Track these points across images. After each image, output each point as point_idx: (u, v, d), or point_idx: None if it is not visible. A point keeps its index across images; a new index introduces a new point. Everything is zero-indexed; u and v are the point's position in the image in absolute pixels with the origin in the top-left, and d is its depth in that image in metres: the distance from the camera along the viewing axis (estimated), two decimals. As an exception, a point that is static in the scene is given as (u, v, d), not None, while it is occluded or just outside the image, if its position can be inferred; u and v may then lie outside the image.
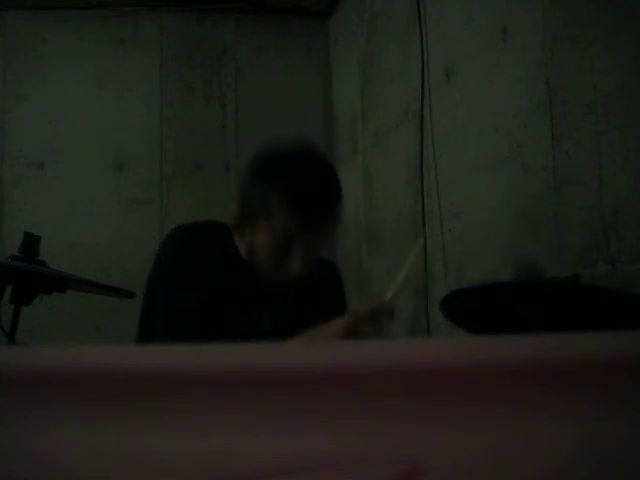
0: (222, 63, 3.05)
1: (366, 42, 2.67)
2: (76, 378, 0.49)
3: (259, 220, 1.26)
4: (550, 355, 0.51)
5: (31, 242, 1.69)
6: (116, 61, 2.97)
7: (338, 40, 3.04)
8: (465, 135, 1.87)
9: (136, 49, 2.99)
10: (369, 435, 0.50)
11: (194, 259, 1.31)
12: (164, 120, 2.97)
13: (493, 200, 1.71)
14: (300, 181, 1.23)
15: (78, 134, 2.89)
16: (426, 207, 2.07)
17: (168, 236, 1.38)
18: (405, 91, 2.25)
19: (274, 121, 2.94)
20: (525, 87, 1.57)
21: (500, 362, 0.51)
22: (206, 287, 1.30)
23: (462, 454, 0.50)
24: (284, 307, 1.35)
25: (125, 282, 1.95)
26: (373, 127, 2.58)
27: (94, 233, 2.84)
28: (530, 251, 1.55)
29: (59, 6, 2.90)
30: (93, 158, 2.89)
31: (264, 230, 1.25)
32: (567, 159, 1.41)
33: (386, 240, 2.43)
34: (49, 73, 2.92)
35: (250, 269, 1.33)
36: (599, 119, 1.31)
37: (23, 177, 2.85)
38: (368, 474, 0.49)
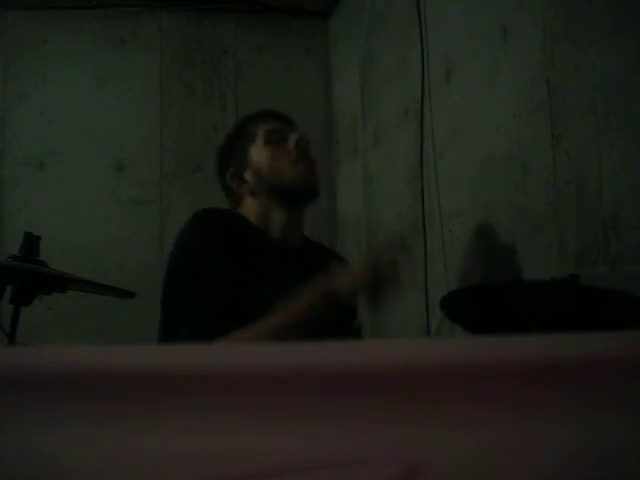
0: (222, 63, 3.06)
1: (366, 42, 2.67)
2: (76, 378, 0.49)
3: (249, 140, 1.44)
4: (550, 355, 0.51)
5: (31, 242, 1.69)
6: (116, 61, 2.97)
7: (338, 40, 3.04)
8: (465, 135, 1.87)
9: (136, 49, 2.99)
10: (369, 435, 0.50)
11: (217, 240, 1.33)
12: (164, 120, 2.98)
13: (493, 200, 1.71)
14: (261, 109, 1.50)
15: (78, 134, 2.89)
16: (426, 207, 2.07)
17: (189, 221, 1.38)
18: (405, 91, 2.25)
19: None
20: (525, 87, 1.57)
21: (500, 362, 0.51)
22: (231, 267, 1.30)
23: (462, 454, 0.50)
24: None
25: (125, 282, 1.96)
26: (373, 127, 2.58)
27: (94, 233, 2.84)
28: (530, 251, 1.55)
29: (59, 6, 2.90)
30: (93, 158, 2.89)
31: (257, 142, 1.43)
32: (567, 159, 1.41)
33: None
34: (49, 73, 2.92)
35: (269, 240, 1.37)
36: (599, 119, 1.31)
37: (23, 177, 2.85)
38: (368, 474, 0.49)
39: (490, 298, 1.25)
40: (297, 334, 1.16)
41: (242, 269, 1.32)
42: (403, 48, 2.28)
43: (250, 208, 1.43)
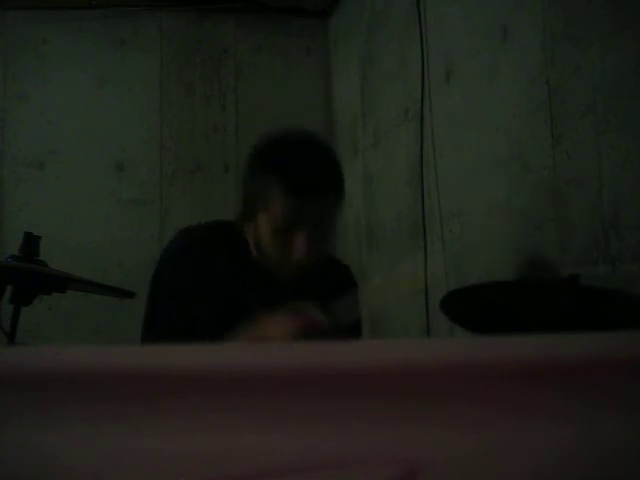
0: (222, 63, 3.06)
1: (366, 42, 2.67)
2: (76, 378, 0.49)
3: (259, 207, 1.24)
4: (550, 355, 0.51)
5: (31, 242, 1.69)
6: (116, 61, 2.97)
7: (338, 40, 3.04)
8: (465, 135, 1.87)
9: (136, 49, 2.99)
10: (369, 435, 0.50)
11: (196, 265, 1.29)
12: (164, 120, 2.98)
13: (493, 200, 1.71)
14: (296, 163, 1.20)
15: (78, 134, 2.89)
16: (426, 207, 2.07)
17: (171, 241, 1.36)
18: (405, 91, 2.25)
19: (274, 121, 2.95)
20: (525, 87, 1.57)
21: (500, 362, 0.51)
22: (210, 294, 1.28)
23: (462, 454, 0.50)
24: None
25: (125, 282, 1.96)
26: (373, 127, 2.58)
27: (94, 233, 2.84)
28: (530, 251, 1.55)
29: (59, 6, 2.90)
30: (93, 158, 2.90)
31: (265, 218, 1.23)
32: (567, 159, 1.41)
33: (386, 240, 2.43)
34: (49, 73, 2.92)
35: (260, 266, 1.32)
36: (599, 119, 1.31)
37: (23, 177, 2.85)
38: (368, 474, 0.49)
39: (490, 298, 1.25)
40: None
41: (214, 294, 1.27)
42: (403, 48, 2.28)
43: (251, 236, 1.37)
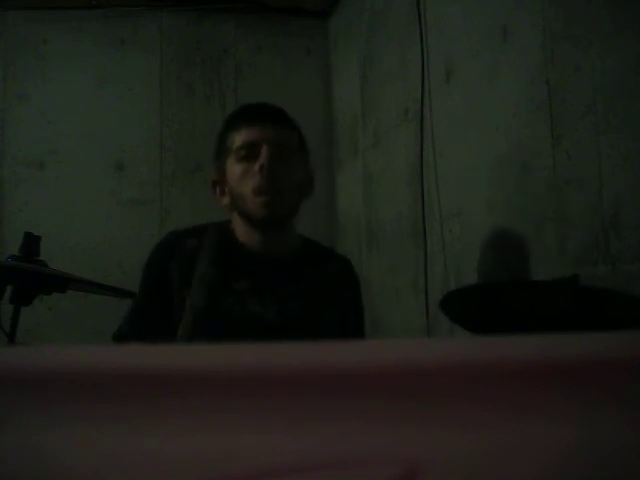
0: (222, 63, 3.06)
1: (366, 42, 2.67)
2: (76, 378, 0.49)
3: (226, 155, 1.39)
4: (550, 355, 0.51)
5: (31, 242, 1.69)
6: (116, 61, 2.97)
7: (338, 40, 3.04)
8: (465, 135, 1.87)
9: (136, 49, 2.99)
10: (369, 435, 0.50)
11: (171, 267, 1.37)
12: (164, 120, 2.97)
13: (493, 200, 1.71)
14: (246, 107, 1.44)
15: (78, 134, 2.89)
16: (426, 207, 2.07)
17: (157, 243, 1.44)
18: (405, 91, 2.25)
19: (274, 121, 2.94)
20: (525, 87, 1.57)
21: (500, 362, 0.51)
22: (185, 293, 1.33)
23: (462, 454, 0.50)
24: (293, 299, 1.36)
25: (125, 282, 1.96)
26: (373, 127, 2.58)
27: (94, 233, 2.84)
28: (531, 251, 1.55)
29: (59, 6, 2.90)
30: (93, 158, 2.90)
31: (232, 160, 1.37)
32: (567, 159, 1.41)
33: (386, 240, 2.43)
34: (49, 73, 2.92)
35: (249, 255, 1.36)
36: (599, 119, 1.31)
37: (23, 177, 2.85)
38: (368, 474, 0.49)
39: (490, 298, 1.25)
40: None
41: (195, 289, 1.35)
42: (403, 48, 2.28)
43: (235, 220, 1.43)
